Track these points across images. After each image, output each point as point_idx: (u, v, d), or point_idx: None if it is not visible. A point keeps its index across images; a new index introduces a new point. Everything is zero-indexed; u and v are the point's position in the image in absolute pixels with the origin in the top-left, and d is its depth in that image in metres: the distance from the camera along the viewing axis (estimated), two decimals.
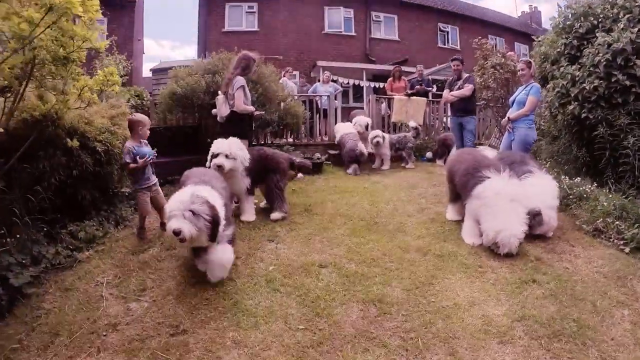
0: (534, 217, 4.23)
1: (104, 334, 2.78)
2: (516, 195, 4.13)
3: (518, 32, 20.17)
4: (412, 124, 8.92)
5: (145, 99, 11.24)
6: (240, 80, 5.16)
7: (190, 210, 2.94)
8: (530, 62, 6.02)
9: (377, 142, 8.00)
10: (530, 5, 24.54)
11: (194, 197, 3.04)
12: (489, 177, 4.20)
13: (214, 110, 5.65)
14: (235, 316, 2.96)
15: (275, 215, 4.92)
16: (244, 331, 2.79)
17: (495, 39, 17.90)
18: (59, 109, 3.92)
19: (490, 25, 15.67)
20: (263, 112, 6.14)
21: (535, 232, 4.30)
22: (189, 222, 2.92)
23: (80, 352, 2.56)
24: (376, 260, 3.85)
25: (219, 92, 5.51)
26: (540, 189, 4.48)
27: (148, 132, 4.46)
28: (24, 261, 3.29)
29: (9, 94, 3.50)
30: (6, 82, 3.36)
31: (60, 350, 2.57)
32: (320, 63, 15.59)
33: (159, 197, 4.51)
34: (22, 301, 3.06)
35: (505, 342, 2.69)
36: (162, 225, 4.48)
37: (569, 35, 6.52)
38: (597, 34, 5.86)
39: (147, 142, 4.52)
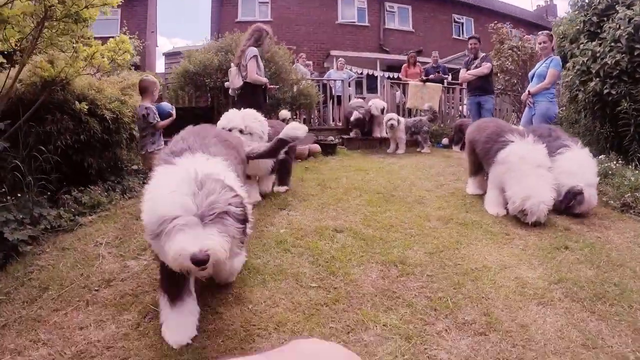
0: (575, 196, 3.95)
1: (96, 289, 2.56)
2: (543, 161, 3.88)
3: (533, 25, 19.75)
4: (426, 105, 8.66)
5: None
6: (253, 51, 5.02)
7: (214, 212, 1.61)
8: (551, 35, 5.82)
9: (392, 124, 7.73)
10: (546, 0, 24.04)
11: (210, 183, 1.67)
12: (512, 141, 3.96)
13: (226, 83, 5.50)
14: (240, 274, 2.73)
15: (283, 188, 4.70)
16: (249, 288, 2.57)
17: (511, 30, 17.66)
18: (69, 72, 3.81)
19: (505, 17, 15.37)
20: (277, 86, 5.95)
21: (575, 211, 4.01)
22: (217, 233, 1.59)
23: (68, 305, 2.36)
24: (395, 226, 3.62)
25: (232, 63, 5.36)
26: (578, 164, 4.14)
27: (156, 94, 4.37)
28: (23, 220, 3.11)
29: (19, 56, 3.41)
30: (17, 38, 3.25)
31: (46, 303, 2.37)
32: (333, 53, 15.40)
33: None
34: (16, 259, 2.87)
35: (545, 303, 2.46)
36: None
37: (587, 12, 6.37)
38: (617, 9, 5.67)
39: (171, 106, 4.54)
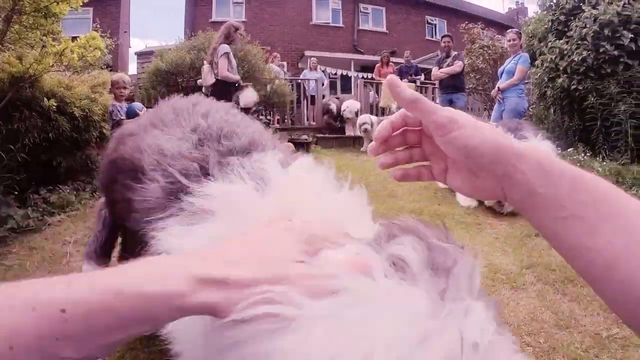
0: None
1: None
2: None
3: (504, 26, 20.13)
4: (394, 106, 8.70)
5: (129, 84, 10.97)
6: (224, 48, 4.97)
7: None
8: (520, 33, 5.95)
9: (365, 129, 7.64)
10: (517, 2, 24.67)
11: None
12: None
13: (199, 81, 5.48)
14: None
15: None
16: None
17: (483, 30, 18.01)
18: (37, 69, 3.70)
19: (477, 18, 15.68)
20: (250, 84, 5.90)
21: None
22: None
23: None
24: None
25: (205, 61, 5.33)
26: None
27: (126, 92, 4.21)
28: None
29: None
30: None
31: None
32: (308, 53, 15.39)
33: None
34: None
35: (517, 287, 2.49)
36: None
37: (555, 12, 6.56)
38: (583, 8, 5.86)
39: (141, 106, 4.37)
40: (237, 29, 5.24)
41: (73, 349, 0.39)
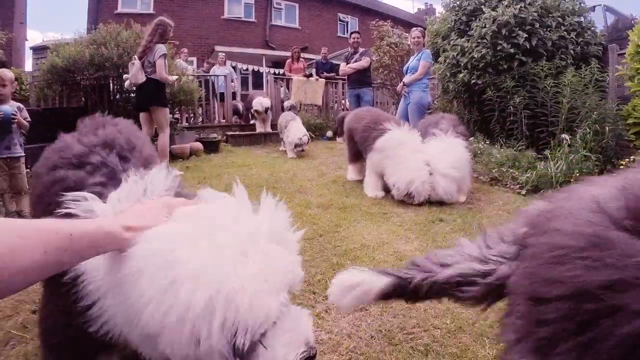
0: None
1: None
2: (418, 146, 4.04)
3: (413, 25, 20.87)
4: (286, 103, 8.60)
5: (25, 82, 9.74)
6: (162, 49, 4.92)
7: None
8: (424, 31, 6.18)
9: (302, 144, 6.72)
10: (426, 3, 26.10)
11: None
12: (389, 129, 4.05)
13: (125, 75, 5.29)
14: None
15: None
16: None
17: (392, 29, 18.65)
18: None
19: (387, 17, 16.24)
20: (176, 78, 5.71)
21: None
22: None
23: None
24: None
25: (134, 57, 5.02)
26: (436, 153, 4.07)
27: (5, 92, 3.59)
28: None
29: None
30: None
31: None
32: (218, 48, 14.83)
33: (18, 177, 3.66)
34: None
35: None
36: (10, 216, 3.56)
37: (458, 12, 6.87)
38: (484, 10, 6.18)
39: (20, 105, 3.72)
40: (172, 27, 5.17)
41: (70, 258, 0.72)
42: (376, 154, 4.09)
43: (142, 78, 4.92)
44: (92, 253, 0.75)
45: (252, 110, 8.53)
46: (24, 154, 3.72)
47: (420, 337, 1.86)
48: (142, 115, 5.05)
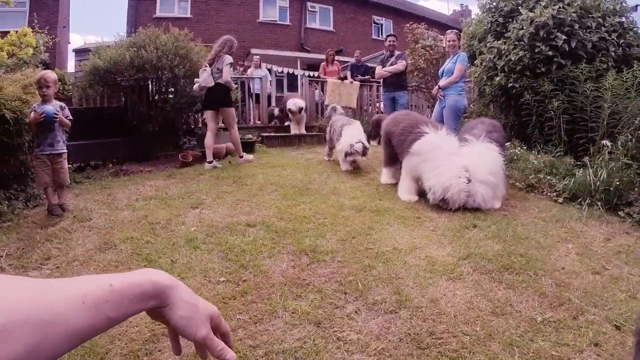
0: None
1: None
2: (455, 150, 3.99)
3: (448, 27, 20.69)
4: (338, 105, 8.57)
5: (67, 83, 10.24)
6: (229, 58, 5.91)
7: None
8: (459, 34, 6.10)
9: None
10: (461, 5, 25.58)
11: None
12: (427, 133, 4.03)
13: (196, 79, 6.08)
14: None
15: None
16: None
17: (426, 31, 18.42)
18: None
19: (422, 19, 16.09)
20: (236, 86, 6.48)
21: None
22: None
23: None
24: (308, 217, 3.51)
25: (205, 64, 5.99)
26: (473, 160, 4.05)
27: (49, 92, 3.80)
28: None
29: None
30: None
31: None
32: (254, 51, 15.09)
33: (60, 172, 3.85)
34: None
35: (454, 278, 2.45)
36: (53, 208, 3.77)
37: (494, 14, 6.75)
38: (521, 11, 6.06)
39: (62, 104, 3.94)
40: (236, 44, 6.29)
41: (113, 309, 0.58)
42: (413, 158, 4.07)
43: (211, 82, 5.78)
44: (138, 306, 0.64)
45: (286, 110, 8.63)
46: (66, 151, 3.93)
47: (449, 342, 1.86)
48: (208, 113, 6.04)
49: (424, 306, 2.13)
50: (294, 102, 8.40)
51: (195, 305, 0.69)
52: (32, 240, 3.17)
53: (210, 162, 5.75)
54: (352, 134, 5.54)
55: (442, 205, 3.81)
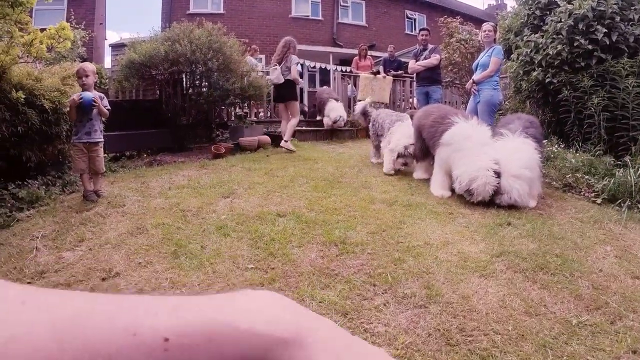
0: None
1: (28, 281, 2.38)
2: (487, 140, 3.89)
3: (483, 22, 20.30)
4: (368, 99, 8.49)
5: (105, 77, 10.62)
6: (296, 58, 6.78)
7: None
8: (495, 26, 5.94)
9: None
10: None
11: None
12: (457, 122, 3.96)
13: (268, 77, 7.16)
14: (177, 259, 2.56)
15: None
16: (185, 272, 2.39)
17: (461, 25, 18.04)
18: (5, 60, 3.51)
19: (457, 13, 15.77)
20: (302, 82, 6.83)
21: (495, 201, 3.77)
22: None
23: None
24: (339, 209, 3.51)
25: (275, 63, 6.77)
26: (506, 154, 3.92)
27: (88, 82, 3.93)
28: None
29: None
30: None
31: None
32: None
33: (96, 160, 3.97)
34: None
35: (487, 275, 2.40)
36: (88, 194, 3.88)
37: (531, 6, 6.56)
38: (559, 3, 5.86)
39: (101, 95, 4.10)
40: (296, 44, 7.00)
41: None
42: (444, 149, 4.00)
43: (281, 79, 6.53)
44: None
45: (323, 109, 8.57)
46: (102, 140, 4.05)
47: (479, 340, 1.83)
48: (281, 105, 6.95)
49: (454, 302, 2.10)
50: (337, 112, 8.27)
51: None
52: (67, 223, 3.29)
53: (286, 142, 6.49)
54: (405, 133, 4.93)
55: (466, 197, 3.73)
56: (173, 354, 0.35)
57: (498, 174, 3.65)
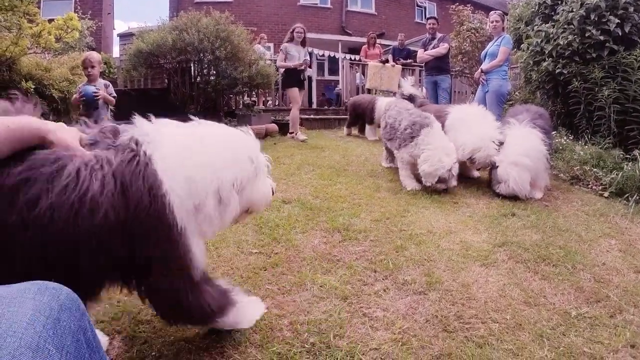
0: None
1: None
2: (489, 115, 4.09)
3: (495, 10, 20.08)
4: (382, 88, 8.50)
5: (113, 66, 10.69)
6: (282, 46, 6.62)
7: None
8: (503, 15, 5.88)
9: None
10: None
11: None
12: (452, 109, 4.39)
13: (278, 62, 7.11)
14: None
15: None
16: None
17: (472, 14, 17.74)
18: (14, 51, 3.53)
19: (467, 1, 15.54)
20: (302, 63, 6.56)
21: (495, 189, 3.73)
22: None
23: None
24: (344, 197, 3.53)
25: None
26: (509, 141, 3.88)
27: (94, 72, 3.96)
28: None
29: None
30: None
31: None
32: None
33: None
34: None
35: (488, 264, 2.40)
36: None
37: None
38: None
39: (107, 82, 4.09)
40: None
41: (7, 147, 0.98)
42: (449, 135, 4.06)
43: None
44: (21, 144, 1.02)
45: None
46: None
47: (476, 328, 1.84)
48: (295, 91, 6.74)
49: (454, 290, 2.11)
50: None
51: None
52: None
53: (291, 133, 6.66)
54: (443, 147, 3.75)
55: (468, 164, 3.89)
56: (12, 130, 0.99)
57: (501, 143, 3.86)
